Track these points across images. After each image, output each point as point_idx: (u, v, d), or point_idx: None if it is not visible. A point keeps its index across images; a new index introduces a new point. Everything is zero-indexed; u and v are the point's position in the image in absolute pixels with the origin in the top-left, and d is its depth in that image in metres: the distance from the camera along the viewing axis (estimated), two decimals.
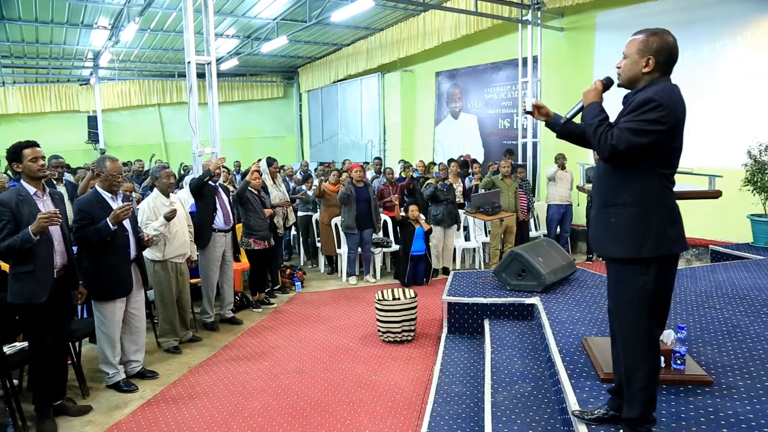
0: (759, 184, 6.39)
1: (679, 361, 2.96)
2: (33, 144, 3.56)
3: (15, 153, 3.52)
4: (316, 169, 10.84)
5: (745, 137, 6.84)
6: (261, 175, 6.55)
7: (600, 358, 3.21)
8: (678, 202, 2.34)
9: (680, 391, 2.85)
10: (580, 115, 2.50)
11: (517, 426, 2.98)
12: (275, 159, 7.33)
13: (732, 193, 2.87)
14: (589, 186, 3.73)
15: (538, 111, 2.65)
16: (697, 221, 7.30)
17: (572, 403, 2.80)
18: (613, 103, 2.47)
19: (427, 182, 7.88)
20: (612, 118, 2.34)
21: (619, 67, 2.39)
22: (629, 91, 2.39)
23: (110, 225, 3.93)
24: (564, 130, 2.63)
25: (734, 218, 6.97)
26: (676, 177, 2.37)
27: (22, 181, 3.56)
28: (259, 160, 7.69)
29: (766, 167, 6.39)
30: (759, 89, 7.45)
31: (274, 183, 7.11)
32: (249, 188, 6.20)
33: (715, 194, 2.89)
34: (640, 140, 2.18)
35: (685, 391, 2.85)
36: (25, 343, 3.72)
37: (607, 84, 2.43)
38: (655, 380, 2.33)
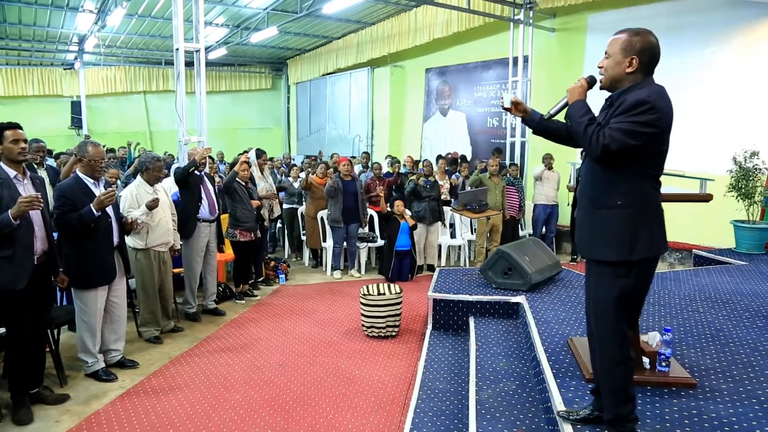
0: (743, 190, 6.45)
1: (664, 363, 2.97)
2: (15, 125, 3.46)
3: None
4: (302, 162, 10.76)
5: (730, 143, 6.90)
6: (250, 166, 6.48)
7: (585, 358, 3.20)
8: (664, 205, 2.34)
9: (665, 393, 2.85)
10: (563, 112, 2.47)
11: (501, 424, 2.97)
12: (264, 151, 7.26)
13: (716, 199, 2.90)
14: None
15: (515, 107, 2.63)
16: (681, 225, 7.35)
17: (557, 403, 2.79)
18: (597, 102, 2.45)
19: (409, 179, 7.86)
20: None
21: (601, 66, 2.38)
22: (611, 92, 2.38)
23: (94, 211, 3.84)
24: (541, 126, 2.62)
25: (718, 223, 7.03)
26: (668, 179, 2.37)
27: (1, 163, 3.44)
28: (247, 150, 7.62)
29: (750, 174, 6.45)
30: (746, 96, 7.52)
31: (262, 175, 7.04)
32: (237, 179, 6.13)
33: (706, 198, 2.90)
34: (632, 142, 2.16)
35: (670, 393, 2.86)
36: (2, 330, 3.63)
37: (591, 82, 2.42)
38: (630, 379, 2.33)
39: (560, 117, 2.58)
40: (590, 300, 2.45)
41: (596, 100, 2.41)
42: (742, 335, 3.75)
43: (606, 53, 2.36)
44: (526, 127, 9.91)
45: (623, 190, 2.27)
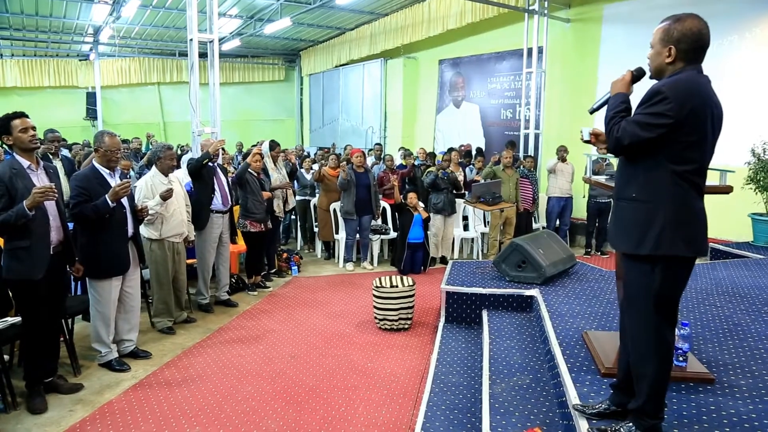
0: (761, 182, 6.35)
1: (681, 358, 2.92)
2: (22, 114, 3.45)
3: (4, 125, 3.39)
4: (316, 154, 10.74)
5: (749, 135, 6.78)
6: (263, 157, 6.47)
7: (601, 352, 3.17)
8: None
9: (682, 389, 2.81)
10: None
11: (515, 418, 2.94)
12: (278, 143, 7.24)
13: (734, 192, 2.85)
14: (595, 178, 3.68)
15: (596, 138, 2.59)
16: None
17: (572, 397, 2.76)
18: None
19: (428, 170, 7.81)
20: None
21: (649, 58, 2.32)
22: None
23: (109, 202, 3.86)
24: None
25: (735, 216, 6.93)
26: None
27: (15, 154, 3.45)
28: (261, 142, 7.61)
29: None
30: (765, 87, 7.38)
31: (275, 166, 7.03)
32: (249, 170, 6.12)
33: (726, 189, 2.83)
34: (644, 134, 2.13)
35: (687, 389, 2.81)
36: (17, 319, 3.65)
37: (637, 75, 2.37)
38: (663, 378, 2.28)
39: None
40: (623, 293, 2.45)
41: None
42: (761, 330, 3.68)
43: (650, 44, 2.30)
44: (540, 119, 9.96)
45: (640, 183, 2.24)
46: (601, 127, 2.50)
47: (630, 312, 2.36)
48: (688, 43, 2.18)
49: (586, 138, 2.62)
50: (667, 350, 2.29)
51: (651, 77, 2.34)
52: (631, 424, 2.34)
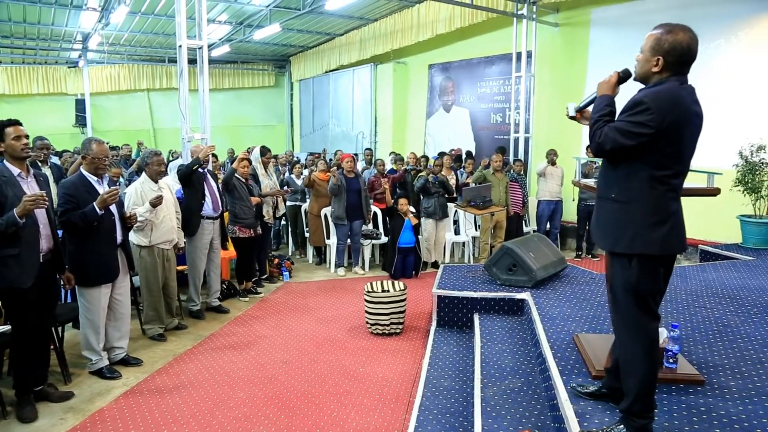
0: (750, 184, 6.41)
1: (671, 360, 2.94)
2: (15, 122, 3.43)
3: None
4: (306, 159, 10.73)
5: (736, 138, 6.85)
6: (250, 163, 6.46)
7: (592, 354, 3.19)
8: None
9: (672, 390, 2.83)
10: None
11: (507, 421, 2.95)
12: (269, 149, 7.23)
13: (722, 194, 2.88)
14: (584, 181, 3.72)
15: (580, 115, 2.67)
16: (687, 221, 7.20)
17: (563, 400, 2.77)
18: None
19: (419, 175, 7.83)
20: None
21: (638, 61, 2.38)
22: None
23: (97, 209, 3.84)
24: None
25: (724, 218, 6.98)
26: None
27: (5, 161, 3.43)
28: (250, 148, 7.59)
29: (756, 168, 6.41)
30: (752, 90, 7.46)
31: (266, 172, 7.03)
32: (236, 176, 6.11)
33: (714, 192, 2.87)
34: (624, 141, 2.22)
35: (677, 390, 2.83)
36: (7, 327, 3.62)
37: (624, 76, 2.43)
38: (649, 377, 2.33)
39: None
40: (608, 287, 2.54)
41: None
42: (751, 331, 3.71)
43: (641, 48, 2.36)
44: (530, 123, 10.00)
45: (620, 185, 2.35)
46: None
47: (614, 307, 2.46)
48: (675, 55, 2.24)
49: (572, 114, 2.68)
50: (650, 345, 2.34)
51: (635, 80, 2.41)
52: (621, 426, 2.38)
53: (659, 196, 2.28)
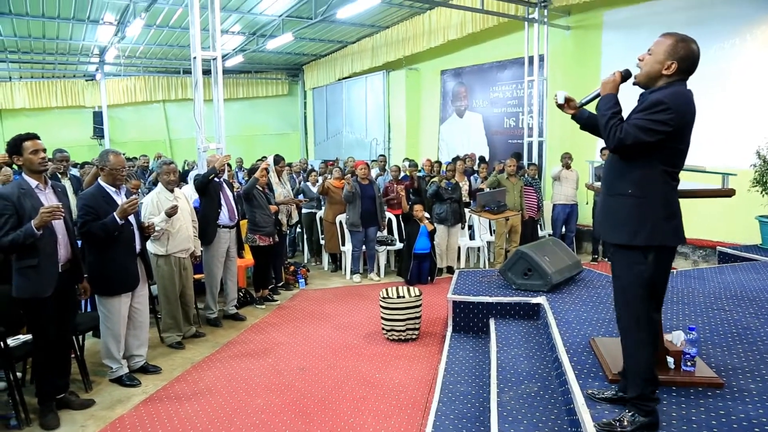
0: None
1: (689, 363, 2.92)
2: (33, 136, 3.49)
3: (15, 146, 3.44)
4: (319, 167, 10.79)
5: (754, 137, 6.77)
6: (268, 172, 6.53)
7: (608, 358, 3.17)
8: (686, 201, 2.46)
9: (690, 393, 2.80)
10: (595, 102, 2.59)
11: (524, 426, 2.94)
12: (282, 157, 7.29)
13: (740, 194, 2.86)
14: (597, 184, 3.73)
15: (567, 104, 2.76)
16: (705, 222, 7.25)
17: (580, 405, 2.76)
18: (631, 98, 2.54)
19: (431, 181, 7.83)
20: (626, 113, 2.44)
21: (641, 60, 2.48)
22: (644, 90, 2.49)
23: (117, 219, 3.90)
24: (588, 123, 2.75)
25: (742, 219, 6.90)
26: (688, 175, 2.44)
27: (23, 174, 3.50)
28: (264, 157, 7.66)
29: None
30: None
31: (280, 181, 7.08)
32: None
33: (728, 193, 2.86)
34: (645, 138, 2.32)
35: (696, 393, 2.80)
36: (29, 336, 3.70)
37: (625, 76, 2.52)
38: (651, 358, 2.48)
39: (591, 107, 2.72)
40: (615, 284, 2.62)
41: (631, 96, 2.51)
42: None
43: (649, 50, 2.46)
44: (543, 127, 9.96)
45: (635, 180, 2.43)
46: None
47: (621, 301, 2.54)
48: (687, 62, 2.39)
49: (561, 101, 2.75)
50: (655, 335, 2.51)
51: (636, 81, 2.50)
52: (633, 412, 2.49)
53: (671, 191, 2.43)
